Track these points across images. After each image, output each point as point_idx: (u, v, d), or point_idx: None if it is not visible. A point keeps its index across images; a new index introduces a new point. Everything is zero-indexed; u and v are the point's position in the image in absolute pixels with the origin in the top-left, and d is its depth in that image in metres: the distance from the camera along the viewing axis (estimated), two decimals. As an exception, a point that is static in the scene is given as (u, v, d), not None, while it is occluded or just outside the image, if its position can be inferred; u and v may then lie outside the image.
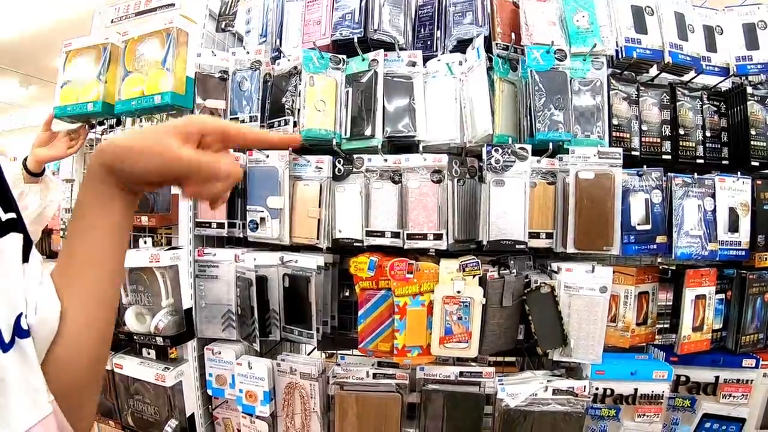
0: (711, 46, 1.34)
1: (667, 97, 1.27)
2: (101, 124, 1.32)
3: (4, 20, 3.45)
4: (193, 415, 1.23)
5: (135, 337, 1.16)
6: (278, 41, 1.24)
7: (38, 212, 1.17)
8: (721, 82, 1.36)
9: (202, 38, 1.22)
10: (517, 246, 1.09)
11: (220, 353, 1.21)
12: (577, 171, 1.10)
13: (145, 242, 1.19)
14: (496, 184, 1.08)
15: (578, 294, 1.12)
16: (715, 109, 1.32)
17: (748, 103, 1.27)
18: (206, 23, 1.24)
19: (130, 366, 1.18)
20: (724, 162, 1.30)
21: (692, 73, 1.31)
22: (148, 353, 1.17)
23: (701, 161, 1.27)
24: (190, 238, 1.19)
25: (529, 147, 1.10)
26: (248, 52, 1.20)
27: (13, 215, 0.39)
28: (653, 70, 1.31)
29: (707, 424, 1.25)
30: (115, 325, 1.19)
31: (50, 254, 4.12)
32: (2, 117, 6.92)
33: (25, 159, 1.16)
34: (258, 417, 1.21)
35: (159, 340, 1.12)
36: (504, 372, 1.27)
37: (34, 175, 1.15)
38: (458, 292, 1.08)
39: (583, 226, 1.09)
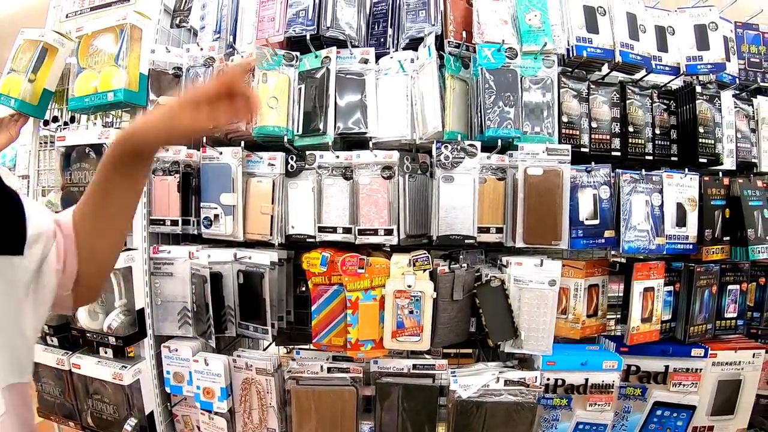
0: (662, 46, 1.38)
1: (618, 96, 1.30)
2: (55, 120, 1.31)
3: None
4: (152, 413, 1.23)
5: (88, 335, 1.15)
6: (232, 37, 1.24)
7: None
8: (671, 81, 1.39)
9: (157, 34, 1.22)
10: (466, 241, 1.11)
11: (177, 350, 1.21)
12: (526, 167, 1.12)
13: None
14: (445, 180, 1.10)
15: (528, 287, 1.14)
16: (665, 107, 1.35)
17: (697, 101, 1.31)
18: (161, 18, 1.24)
19: (87, 366, 1.18)
20: (673, 159, 1.34)
21: (643, 72, 1.34)
22: (105, 352, 1.17)
23: (650, 158, 1.30)
24: (144, 236, 1.19)
25: (478, 144, 1.12)
26: (202, 49, 1.20)
27: None
28: (605, 69, 1.34)
29: (658, 412, 1.29)
30: (68, 321, 1.19)
31: None
32: None
33: None
34: (216, 413, 1.21)
35: (112, 340, 1.12)
36: (459, 363, 1.30)
37: None
38: (409, 286, 1.10)
39: (532, 221, 1.12)
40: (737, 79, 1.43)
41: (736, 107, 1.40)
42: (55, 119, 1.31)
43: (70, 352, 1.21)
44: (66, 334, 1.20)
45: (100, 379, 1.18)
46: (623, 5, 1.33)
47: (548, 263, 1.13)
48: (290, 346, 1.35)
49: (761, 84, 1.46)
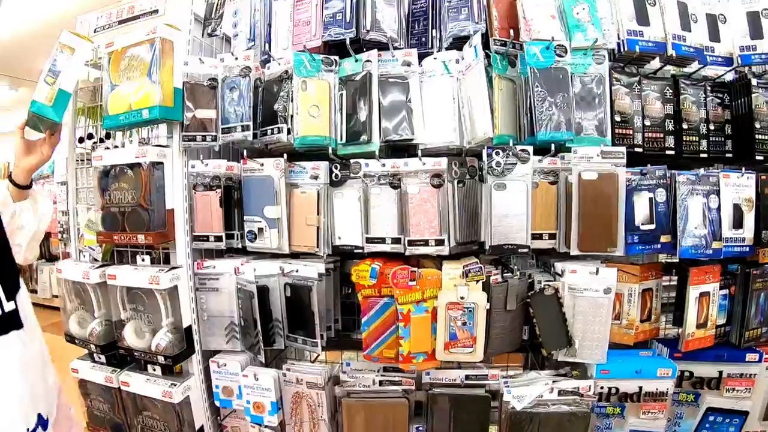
0: (714, 36, 1.31)
1: (670, 91, 1.24)
2: (90, 137, 1.28)
3: None
4: (202, 427, 1.23)
5: (136, 353, 1.15)
6: (267, 44, 1.20)
7: (34, 230, 1.12)
8: (725, 73, 1.32)
9: (189, 45, 1.18)
10: (519, 250, 1.07)
11: (225, 365, 1.21)
12: (580, 171, 1.08)
13: (143, 259, 1.17)
14: (497, 187, 1.06)
15: (582, 295, 1.11)
16: (719, 101, 1.29)
17: (753, 95, 1.24)
18: (192, 28, 1.19)
19: (136, 383, 1.17)
20: (728, 155, 1.28)
21: (695, 65, 1.28)
22: (154, 369, 1.17)
23: (705, 156, 1.25)
24: (188, 253, 1.17)
25: (530, 148, 1.08)
26: (236, 58, 1.16)
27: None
28: (655, 62, 1.28)
29: (711, 418, 1.26)
30: (115, 340, 1.19)
31: (50, 257, 4.08)
32: None
33: (10, 175, 1.11)
34: (267, 426, 1.21)
35: (161, 359, 1.11)
36: (508, 366, 1.28)
37: (24, 188, 1.10)
38: (462, 298, 1.07)
39: (587, 229, 1.08)
40: (796, 68, 1.35)
41: (795, 97, 1.32)
42: (90, 136, 1.29)
43: (119, 370, 1.21)
44: (113, 352, 1.20)
45: (149, 397, 1.18)
46: (674, -6, 1.26)
47: (604, 271, 1.09)
48: (339, 361, 1.33)
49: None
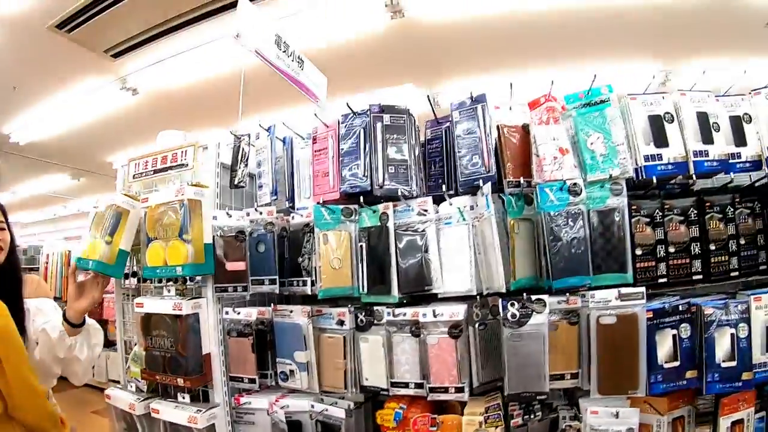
0: (740, 140, 1.25)
1: (695, 212, 1.20)
2: (134, 275, 1.41)
3: (52, 118, 3.72)
4: None
5: None
6: (291, 192, 1.26)
7: (90, 359, 1.26)
8: (757, 181, 1.26)
9: (218, 198, 1.27)
10: (537, 397, 1.09)
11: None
12: (598, 316, 1.08)
13: (183, 397, 1.28)
14: (513, 338, 1.08)
15: (606, 435, 1.11)
16: (748, 211, 1.24)
17: (785, 201, 1.19)
18: (219, 181, 1.28)
19: None
20: (761, 267, 1.23)
21: (723, 175, 1.23)
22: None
23: (736, 273, 1.21)
24: (225, 391, 1.27)
25: (546, 298, 1.09)
26: (261, 213, 1.23)
27: None
28: (679, 178, 1.24)
29: None
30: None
31: (108, 344, 4.20)
32: (57, 206, 7.55)
33: (64, 313, 1.23)
34: None
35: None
36: None
37: (77, 326, 1.22)
38: (484, 442, 1.11)
39: (606, 373, 1.08)
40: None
41: (831, 195, 1.25)
42: (134, 274, 1.41)
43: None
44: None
45: None
46: (691, 105, 1.21)
47: (624, 412, 1.09)
48: None
49: None
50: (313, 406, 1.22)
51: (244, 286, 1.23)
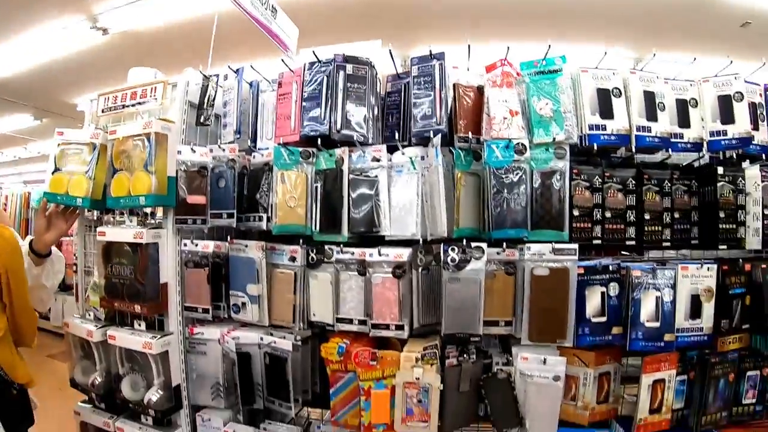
0: (684, 122, 1.33)
1: (633, 182, 1.27)
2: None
3: (17, 56, 3.68)
4: None
5: (130, 405, 1.31)
6: (254, 132, 1.32)
7: (53, 286, 1.33)
8: (694, 160, 1.35)
9: (183, 134, 1.32)
10: (471, 338, 1.15)
11: (209, 420, 1.35)
12: (532, 268, 1.15)
13: (140, 324, 1.33)
14: (451, 281, 1.14)
15: (533, 381, 1.18)
16: (686, 188, 1.32)
17: (718, 184, 1.27)
18: (186, 117, 1.33)
19: (131, 431, 1.34)
20: (693, 242, 1.31)
21: (663, 152, 1.31)
22: (146, 419, 1.32)
23: (668, 244, 1.28)
24: (179, 320, 1.32)
25: (485, 245, 1.15)
26: (224, 150, 1.29)
27: None
28: (622, 150, 1.32)
29: (671, 491, 1.30)
30: (114, 391, 1.35)
31: (63, 287, 4.22)
32: (18, 148, 7.50)
33: (30, 243, 1.28)
34: (246, 478, 1.35)
35: (152, 413, 1.27)
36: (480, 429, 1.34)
37: (44, 256, 1.28)
38: (417, 378, 1.17)
39: (536, 322, 1.15)
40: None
41: (764, 180, 1.32)
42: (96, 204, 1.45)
43: (116, 416, 1.37)
44: (112, 402, 1.37)
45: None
46: (640, 84, 1.29)
47: (552, 360, 1.16)
48: (314, 419, 1.44)
49: (794, 151, 1.38)
50: (262, 339, 1.28)
51: (203, 219, 1.29)
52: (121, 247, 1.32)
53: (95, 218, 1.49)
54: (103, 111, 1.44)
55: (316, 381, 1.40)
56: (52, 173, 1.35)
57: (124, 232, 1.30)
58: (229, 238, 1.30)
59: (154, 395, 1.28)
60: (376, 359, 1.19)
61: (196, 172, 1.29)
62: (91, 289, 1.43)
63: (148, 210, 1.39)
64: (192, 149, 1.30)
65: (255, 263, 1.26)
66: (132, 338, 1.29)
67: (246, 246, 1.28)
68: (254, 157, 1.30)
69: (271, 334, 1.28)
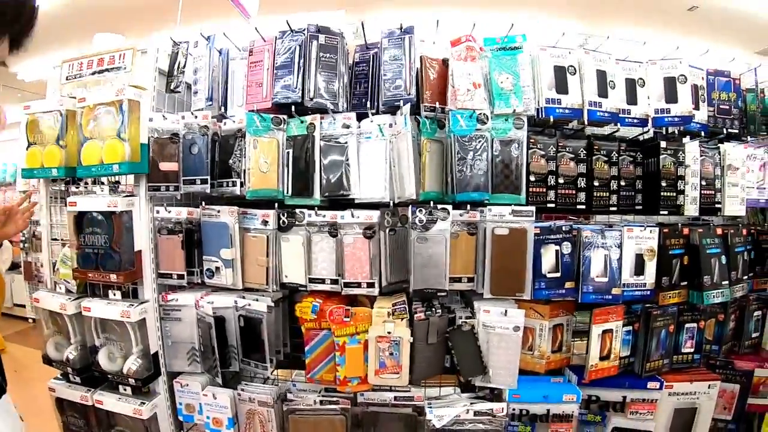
0: (632, 99, 1.45)
1: (585, 151, 1.39)
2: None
3: None
4: None
5: (109, 376, 1.32)
6: (224, 99, 1.34)
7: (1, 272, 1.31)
8: (640, 134, 1.47)
9: (153, 101, 1.33)
10: (438, 294, 1.24)
11: (187, 385, 1.38)
12: (493, 228, 1.24)
13: (114, 294, 1.33)
14: (419, 240, 1.22)
15: (494, 332, 1.28)
16: (631, 158, 1.45)
17: (661, 156, 1.40)
18: (156, 84, 1.34)
19: (109, 402, 1.34)
20: (637, 207, 1.44)
21: (612, 126, 1.43)
22: (125, 389, 1.33)
23: (614, 209, 1.41)
24: (154, 288, 1.34)
25: (450, 207, 1.23)
26: (196, 117, 1.31)
27: None
28: (575, 123, 1.43)
29: (617, 436, 1.43)
30: (90, 363, 1.35)
31: (11, 266, 3.91)
32: None
33: None
34: (224, 438, 1.39)
35: (132, 381, 1.28)
36: (441, 383, 1.44)
37: None
38: (388, 332, 1.24)
39: (498, 277, 1.24)
40: (707, 128, 1.50)
41: (702, 155, 1.47)
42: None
43: (93, 389, 1.37)
44: (88, 375, 1.37)
45: (122, 414, 1.34)
46: (594, 63, 1.40)
47: (512, 312, 1.26)
48: (289, 379, 1.50)
49: (730, 131, 1.53)
50: (236, 302, 1.31)
51: (176, 186, 1.30)
52: (94, 217, 1.32)
53: (62, 189, 1.47)
54: (67, 78, 1.42)
55: (286, 342, 1.46)
56: (27, 149, 1.33)
57: (97, 201, 1.29)
58: (203, 204, 1.33)
59: (133, 364, 1.30)
60: (350, 316, 1.25)
61: (168, 139, 1.31)
62: (60, 261, 1.42)
63: (117, 179, 1.38)
64: (164, 116, 1.31)
65: (228, 228, 1.29)
66: (108, 308, 1.29)
67: (218, 211, 1.31)
68: (225, 123, 1.32)
69: (244, 297, 1.32)
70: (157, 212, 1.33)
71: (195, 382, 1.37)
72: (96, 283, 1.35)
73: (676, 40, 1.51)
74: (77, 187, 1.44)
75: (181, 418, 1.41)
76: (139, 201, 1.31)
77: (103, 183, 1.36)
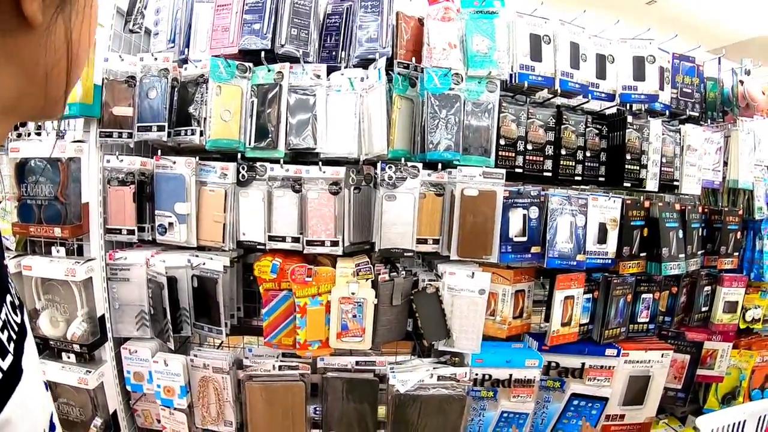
0: (601, 74, 1.48)
1: (554, 120, 1.40)
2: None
3: None
4: (115, 411, 1.30)
5: (51, 342, 1.20)
6: (186, 44, 1.26)
7: None
8: (606, 108, 1.51)
9: (110, 40, 1.22)
10: (405, 254, 1.21)
11: (136, 351, 1.28)
12: (463, 188, 1.23)
13: (58, 251, 1.22)
14: (387, 198, 1.19)
15: (459, 295, 1.27)
16: (598, 131, 1.48)
17: (627, 130, 1.43)
18: (114, 23, 1.23)
19: (52, 371, 1.22)
20: (600, 179, 1.48)
21: (581, 98, 1.45)
22: (68, 357, 1.22)
23: (579, 179, 1.43)
24: (101, 244, 1.23)
25: (420, 164, 1.21)
26: (156, 59, 1.21)
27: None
28: (545, 92, 1.44)
29: (575, 402, 1.47)
30: (30, 329, 1.23)
31: None
32: None
33: None
34: (177, 409, 1.30)
35: (76, 347, 1.18)
36: (397, 352, 1.42)
37: None
38: (352, 293, 1.20)
39: (465, 238, 1.23)
40: (669, 108, 1.56)
41: (664, 134, 1.53)
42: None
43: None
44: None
45: (66, 384, 1.23)
46: (568, 35, 1.42)
47: (479, 275, 1.25)
48: (242, 346, 1.43)
49: (690, 113, 1.60)
50: (190, 261, 1.23)
51: (130, 133, 1.21)
52: (38, 165, 1.19)
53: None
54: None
55: (239, 307, 1.39)
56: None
57: (41, 147, 1.17)
58: (159, 153, 1.23)
59: (77, 329, 1.19)
60: (312, 275, 1.20)
61: (124, 82, 1.21)
62: (-3, 214, 1.29)
63: (63, 126, 1.27)
64: (120, 57, 1.21)
65: (184, 180, 1.21)
66: (52, 266, 1.17)
67: (174, 162, 1.22)
68: (186, 68, 1.24)
69: (197, 256, 1.24)
70: (108, 161, 1.23)
71: (144, 349, 1.28)
72: (37, 240, 1.23)
73: (635, 32, 1.56)
74: (19, 135, 1.31)
75: (129, 388, 1.31)
76: (88, 147, 1.20)
77: (47, 130, 1.24)
